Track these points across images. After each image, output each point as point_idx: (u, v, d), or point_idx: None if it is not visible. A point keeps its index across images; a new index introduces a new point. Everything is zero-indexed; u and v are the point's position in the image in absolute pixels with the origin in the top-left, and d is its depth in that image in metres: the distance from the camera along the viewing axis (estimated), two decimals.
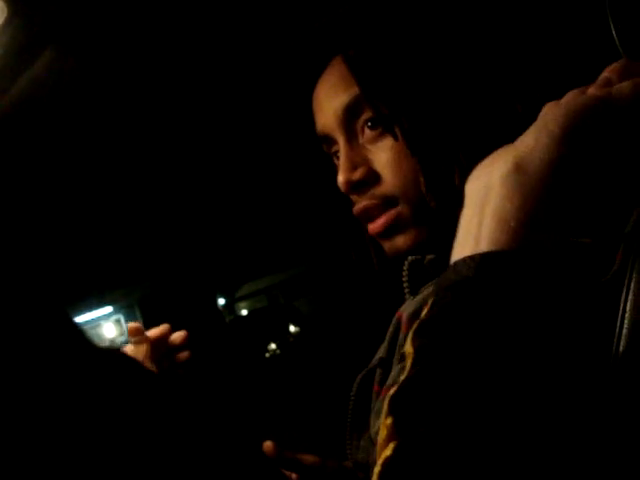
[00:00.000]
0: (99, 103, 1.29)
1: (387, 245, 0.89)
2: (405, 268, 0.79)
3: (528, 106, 0.79)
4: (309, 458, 0.95)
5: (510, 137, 0.78)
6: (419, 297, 0.72)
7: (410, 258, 0.78)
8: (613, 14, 0.71)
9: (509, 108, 0.80)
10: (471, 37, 0.83)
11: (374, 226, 0.87)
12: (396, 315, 0.75)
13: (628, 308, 0.58)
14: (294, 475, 0.97)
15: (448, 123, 0.80)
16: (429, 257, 0.76)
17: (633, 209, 0.69)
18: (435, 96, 0.81)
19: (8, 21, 0.98)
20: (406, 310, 0.72)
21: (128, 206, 2.19)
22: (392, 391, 0.54)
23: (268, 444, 0.95)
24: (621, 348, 0.58)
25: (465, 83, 0.81)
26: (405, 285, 0.78)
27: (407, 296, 0.76)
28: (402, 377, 0.57)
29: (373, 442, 0.72)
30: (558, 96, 0.78)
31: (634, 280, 0.59)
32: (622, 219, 0.70)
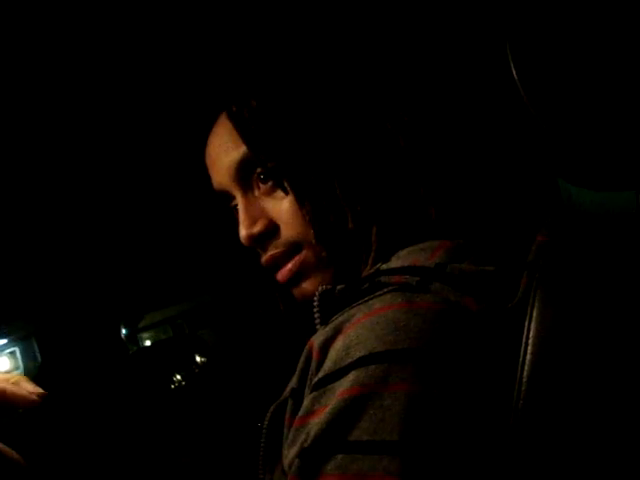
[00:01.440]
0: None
1: (295, 291, 0.92)
2: (316, 298, 0.80)
3: (409, 145, 0.83)
4: None
5: (393, 170, 0.82)
6: (330, 326, 0.72)
7: (320, 288, 0.80)
8: (514, 56, 0.74)
9: (389, 146, 0.84)
10: (344, 85, 0.87)
11: (281, 275, 0.90)
12: (307, 345, 0.75)
13: (531, 335, 0.60)
14: None
15: (334, 170, 0.83)
16: (339, 287, 0.77)
17: (535, 236, 0.73)
18: (316, 147, 0.84)
19: None
20: (317, 339, 0.73)
21: (26, 232, 2.12)
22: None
23: None
24: (525, 373, 0.60)
25: (342, 130, 0.84)
26: (316, 315, 0.79)
27: (318, 326, 0.78)
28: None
29: (285, 473, 0.71)
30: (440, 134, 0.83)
31: (536, 307, 0.62)
32: (524, 247, 0.74)
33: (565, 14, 0.72)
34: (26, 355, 2.76)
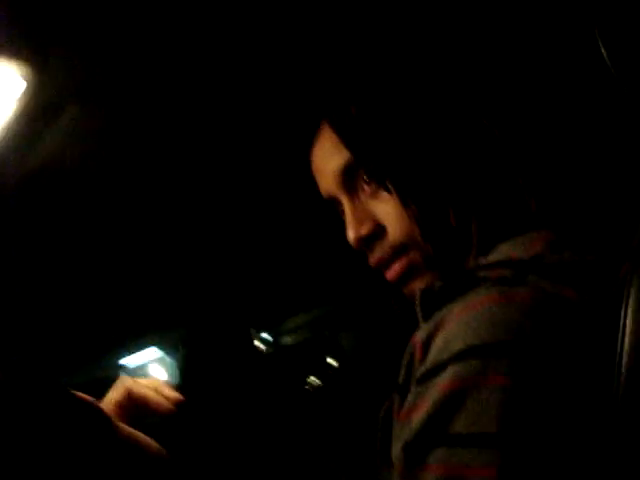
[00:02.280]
0: (124, 160, 1.35)
1: (405, 290, 0.93)
2: (417, 296, 0.82)
3: (505, 138, 0.83)
4: None
5: (490, 164, 0.82)
6: (431, 321, 0.74)
7: (414, 288, 0.82)
8: (603, 38, 0.73)
9: (487, 137, 0.84)
10: (444, 90, 0.88)
11: (390, 274, 0.92)
12: (410, 341, 0.77)
13: (628, 322, 0.59)
14: None
15: (435, 170, 0.84)
16: (438, 283, 0.79)
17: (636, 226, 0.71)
18: (415, 147, 0.86)
19: (32, 82, 1.04)
20: (419, 335, 0.75)
21: (162, 248, 2.24)
22: None
23: None
24: (624, 361, 0.59)
25: (439, 129, 0.85)
26: (418, 312, 0.81)
27: (421, 322, 0.79)
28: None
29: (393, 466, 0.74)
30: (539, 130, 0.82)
31: (632, 293, 0.60)
32: (625, 237, 0.72)
33: None
34: (173, 363, 2.93)
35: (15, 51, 0.94)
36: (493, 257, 0.78)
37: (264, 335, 2.66)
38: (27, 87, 1.03)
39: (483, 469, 0.60)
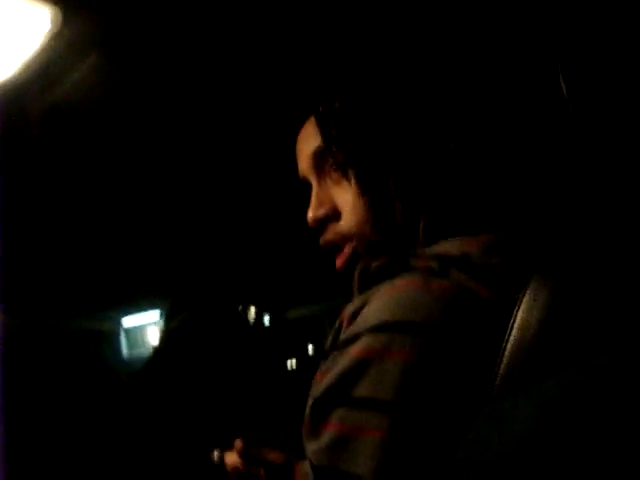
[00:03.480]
0: (138, 110, 1.42)
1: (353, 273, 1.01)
2: (356, 273, 0.90)
3: (461, 147, 0.90)
4: (274, 455, 1.04)
5: (445, 175, 0.89)
6: (361, 297, 0.81)
7: (361, 265, 0.90)
8: (564, 71, 0.79)
9: (443, 151, 0.91)
10: (409, 100, 0.95)
11: (338, 262, 1.00)
12: (341, 313, 0.84)
13: (517, 320, 0.66)
14: (261, 471, 1.07)
15: (391, 168, 0.92)
16: (375, 264, 0.87)
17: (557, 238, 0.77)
18: (379, 148, 0.93)
19: (61, 26, 1.11)
20: (348, 308, 0.82)
21: (175, 222, 2.29)
22: None
23: (237, 441, 1.06)
24: (506, 352, 0.66)
25: (403, 136, 0.93)
26: (354, 287, 0.89)
27: (355, 295, 0.87)
28: None
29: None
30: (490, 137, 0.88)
31: (526, 297, 0.67)
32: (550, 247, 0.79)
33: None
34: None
35: None
36: (429, 250, 0.85)
37: (267, 317, 2.72)
38: (53, 27, 1.10)
39: (373, 431, 0.68)
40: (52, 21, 1.07)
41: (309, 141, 1.01)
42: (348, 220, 0.96)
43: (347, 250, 0.97)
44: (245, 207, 2.10)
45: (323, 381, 0.77)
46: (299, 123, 1.07)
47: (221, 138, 1.59)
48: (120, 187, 1.90)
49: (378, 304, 0.76)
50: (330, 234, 0.99)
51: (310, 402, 0.78)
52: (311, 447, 0.75)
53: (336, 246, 0.99)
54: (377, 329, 0.73)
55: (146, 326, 4.71)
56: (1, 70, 1.17)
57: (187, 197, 2.04)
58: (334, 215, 0.98)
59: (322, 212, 0.99)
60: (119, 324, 4.65)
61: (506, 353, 0.66)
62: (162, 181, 1.90)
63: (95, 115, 1.41)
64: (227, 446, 1.10)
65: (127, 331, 4.75)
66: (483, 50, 1.03)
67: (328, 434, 0.72)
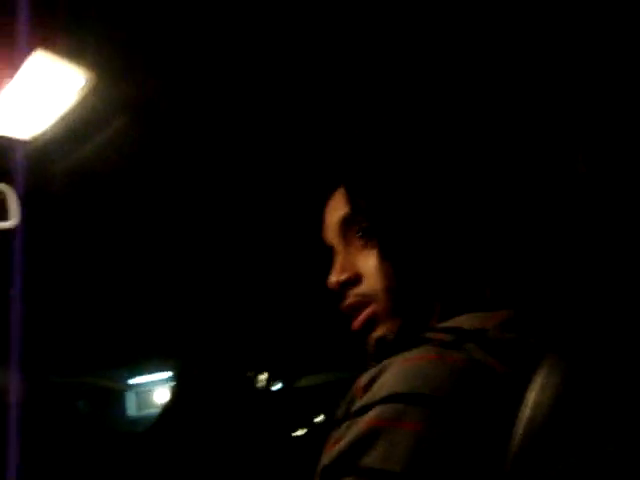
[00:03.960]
0: (159, 176, 1.45)
1: (368, 338, 1.01)
2: (372, 343, 0.90)
3: (482, 224, 0.92)
4: None
5: (465, 250, 0.91)
6: (376, 367, 0.81)
7: (377, 335, 0.90)
8: (584, 157, 0.81)
9: (465, 226, 0.93)
10: (436, 169, 0.97)
11: (355, 323, 1.00)
12: (355, 382, 0.84)
13: (530, 400, 0.65)
14: None
15: (413, 241, 0.93)
16: (390, 336, 0.86)
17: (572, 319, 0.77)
18: (403, 220, 0.95)
19: (93, 89, 1.15)
20: (363, 378, 0.82)
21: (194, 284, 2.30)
22: None
23: None
24: (520, 431, 0.65)
25: (427, 213, 0.94)
26: (370, 357, 0.89)
27: (370, 366, 0.87)
28: None
29: None
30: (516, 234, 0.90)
31: (539, 377, 0.66)
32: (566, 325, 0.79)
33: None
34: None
35: (78, 54, 1.05)
36: (445, 324, 0.84)
37: (279, 385, 2.70)
38: (85, 89, 1.13)
39: None
40: (86, 82, 1.11)
41: (337, 209, 1.04)
42: (370, 283, 0.97)
43: (365, 312, 0.97)
44: (262, 275, 2.11)
45: (334, 449, 0.76)
46: (326, 194, 1.10)
47: (242, 205, 1.61)
48: (141, 246, 1.92)
49: (392, 375, 0.76)
50: (351, 298, 1.00)
51: (319, 470, 0.77)
52: None
53: (355, 309, 0.99)
54: (389, 400, 0.73)
55: (155, 387, 4.68)
56: (34, 125, 1.21)
57: (206, 262, 2.05)
58: (356, 280, 1.00)
59: (345, 276, 1.00)
60: (127, 384, 4.63)
61: (518, 433, 0.65)
62: (182, 243, 1.91)
63: (120, 174, 1.44)
64: None
65: (136, 391, 4.71)
66: (502, 124, 1.05)
67: None
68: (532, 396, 0.66)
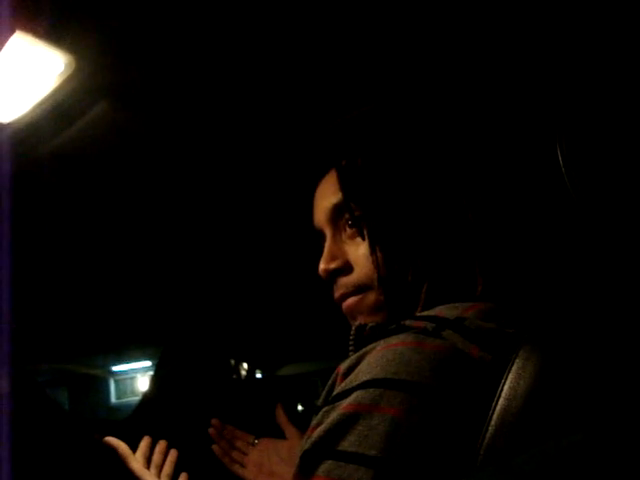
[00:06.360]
0: (144, 159, 1.44)
1: (352, 324, 1.01)
2: (352, 331, 0.92)
3: (478, 215, 0.92)
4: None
5: (461, 241, 0.91)
6: (356, 354, 0.82)
7: (357, 323, 0.92)
8: (562, 150, 0.82)
9: (461, 217, 0.93)
10: (432, 161, 0.98)
11: (345, 305, 1.03)
12: (335, 369, 0.85)
13: (505, 388, 0.66)
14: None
15: (403, 229, 0.94)
16: (371, 324, 0.88)
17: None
18: (396, 207, 0.96)
19: (73, 71, 1.14)
20: (343, 365, 0.83)
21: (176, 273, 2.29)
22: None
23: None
24: (494, 416, 0.66)
25: (423, 199, 0.95)
26: (351, 345, 0.90)
27: (350, 353, 0.88)
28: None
29: None
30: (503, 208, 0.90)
31: (515, 365, 0.67)
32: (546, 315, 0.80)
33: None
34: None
35: (58, 38, 1.04)
36: (425, 313, 0.85)
37: (259, 374, 2.70)
38: (66, 72, 1.12)
39: None
40: (65, 66, 1.10)
41: (327, 195, 1.04)
42: (360, 274, 0.99)
43: (354, 300, 0.98)
44: (244, 264, 2.10)
45: (313, 433, 0.77)
46: (316, 178, 1.10)
47: (229, 191, 1.60)
48: (121, 232, 1.91)
49: (371, 361, 0.77)
50: (342, 288, 1.01)
51: (299, 454, 0.78)
52: None
53: (347, 299, 1.00)
54: (368, 385, 0.74)
55: (136, 375, 4.68)
56: (13, 109, 1.20)
57: (188, 248, 2.04)
58: (345, 268, 1.01)
59: (334, 265, 1.02)
60: (109, 371, 4.62)
61: (492, 422, 0.66)
62: (165, 229, 1.90)
63: (101, 160, 1.43)
64: None
65: (117, 378, 4.71)
66: (499, 119, 1.06)
67: None
68: (506, 387, 0.67)
